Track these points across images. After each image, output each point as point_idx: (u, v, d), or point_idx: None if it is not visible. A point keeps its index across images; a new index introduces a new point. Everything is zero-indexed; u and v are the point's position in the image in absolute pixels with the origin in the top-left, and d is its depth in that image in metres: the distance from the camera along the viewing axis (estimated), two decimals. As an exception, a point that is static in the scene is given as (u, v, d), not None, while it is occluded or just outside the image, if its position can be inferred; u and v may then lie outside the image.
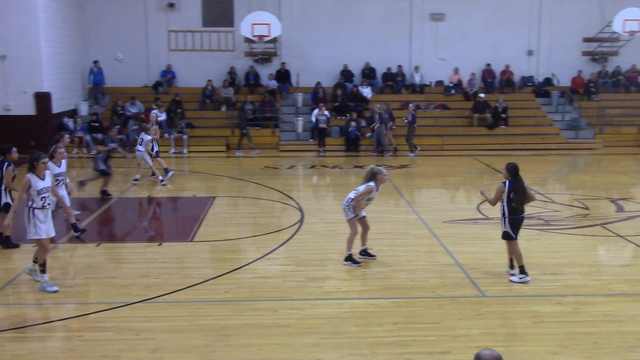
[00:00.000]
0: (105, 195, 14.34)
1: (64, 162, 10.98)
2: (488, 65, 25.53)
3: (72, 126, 21.57)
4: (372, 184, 9.47)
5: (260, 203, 14.26)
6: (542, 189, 15.88)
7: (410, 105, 22.06)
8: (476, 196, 15.15)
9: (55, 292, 8.44)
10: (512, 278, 8.92)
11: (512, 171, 8.95)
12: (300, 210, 13.18)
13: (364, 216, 9.77)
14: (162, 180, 15.82)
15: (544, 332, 7.28)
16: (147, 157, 15.82)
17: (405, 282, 8.92)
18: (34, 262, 8.78)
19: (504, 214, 8.92)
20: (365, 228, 9.85)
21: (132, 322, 7.52)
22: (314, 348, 6.87)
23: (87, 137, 21.54)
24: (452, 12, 25.46)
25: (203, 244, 10.94)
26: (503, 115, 23.43)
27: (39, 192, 8.48)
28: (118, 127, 21.57)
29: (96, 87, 23.80)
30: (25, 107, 20.72)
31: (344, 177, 17.76)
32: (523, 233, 11.20)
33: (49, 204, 8.67)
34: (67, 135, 13.10)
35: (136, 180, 15.93)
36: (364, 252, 9.95)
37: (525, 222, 11.97)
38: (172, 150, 21.65)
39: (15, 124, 20.47)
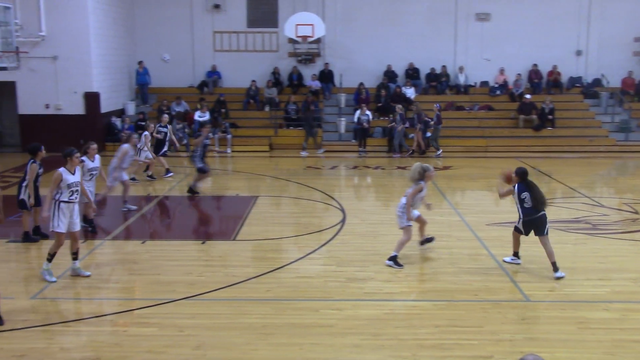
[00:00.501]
0: (193, 192, 14.70)
1: (97, 157, 11.30)
2: (535, 65, 25.07)
3: (120, 125, 22.02)
4: (421, 182, 9.57)
5: (302, 203, 14.31)
6: (590, 192, 15.53)
7: (435, 105, 21.85)
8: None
9: (54, 282, 8.78)
10: (505, 258, 9.75)
11: (521, 175, 9.38)
12: (342, 210, 13.18)
13: (419, 215, 9.96)
14: (150, 175, 16.50)
15: (590, 339, 7.12)
16: (147, 154, 16.30)
17: (448, 284, 8.84)
18: (74, 259, 9.05)
19: (519, 216, 9.40)
20: (423, 223, 10.16)
21: (175, 318, 7.65)
22: (355, 349, 6.87)
23: (135, 137, 21.91)
24: (498, 11, 25.08)
25: (245, 243, 11.03)
26: (550, 117, 22.97)
27: (69, 186, 8.80)
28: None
29: (142, 87, 24.23)
30: (75, 107, 21.25)
31: (387, 178, 17.68)
32: (570, 237, 11.06)
33: (76, 198, 8.96)
34: (135, 135, 13.58)
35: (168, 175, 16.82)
36: (425, 241, 10.31)
37: (573, 225, 11.87)
38: (216, 149, 21.89)
39: (65, 123, 21.01)
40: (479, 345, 6.95)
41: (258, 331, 7.27)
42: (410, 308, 8.00)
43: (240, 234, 11.54)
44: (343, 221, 12.29)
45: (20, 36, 19.36)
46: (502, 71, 25.07)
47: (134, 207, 13.21)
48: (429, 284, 8.86)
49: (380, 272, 9.33)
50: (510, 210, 13.62)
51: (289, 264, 9.77)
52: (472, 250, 10.45)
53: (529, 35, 24.99)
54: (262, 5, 25.26)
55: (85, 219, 11.11)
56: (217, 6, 24.96)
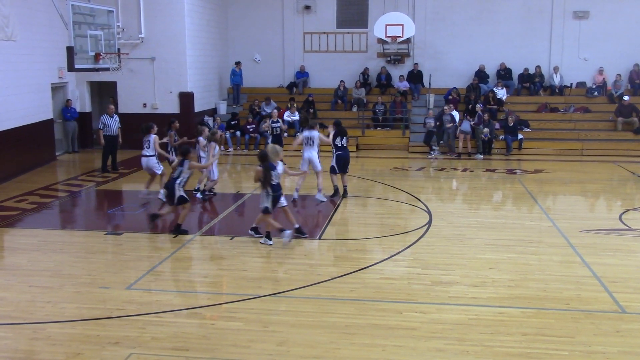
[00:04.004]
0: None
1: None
2: (636, 65, 23.79)
3: (212, 124, 22.67)
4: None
5: (387, 204, 14.25)
6: (695, 200, 14.63)
7: (445, 107, 21.61)
8: (617, 205, 14.25)
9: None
10: (261, 240, 10.76)
11: (262, 158, 10.61)
12: (429, 212, 13.03)
13: (284, 204, 11.03)
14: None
15: (692, 356, 6.71)
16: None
17: (537, 292, 8.56)
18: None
19: (267, 193, 10.55)
20: (285, 213, 11.18)
21: (261, 314, 7.80)
22: (438, 353, 6.78)
23: (227, 135, 22.57)
24: (597, 9, 23.99)
25: (330, 242, 11.11)
26: (652, 120, 21.80)
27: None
28: (253, 126, 22.48)
29: (236, 87, 24.84)
30: (171, 106, 22.08)
31: (474, 181, 17.30)
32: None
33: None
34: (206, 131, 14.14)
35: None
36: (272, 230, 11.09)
37: (674, 235, 11.27)
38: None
39: (161, 121, 21.76)
40: (569, 356, 6.69)
41: (341, 330, 7.31)
42: (497, 314, 7.80)
43: (325, 233, 11.64)
44: (429, 223, 12.15)
45: (121, 38, 20.34)
46: (601, 71, 23.97)
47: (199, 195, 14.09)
48: (517, 291, 8.61)
49: (466, 276, 9.16)
50: (605, 217, 13.09)
51: (373, 264, 9.76)
52: (564, 258, 10.07)
53: (631, 33, 23.78)
54: (352, 6, 25.36)
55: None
56: (307, 7, 25.27)
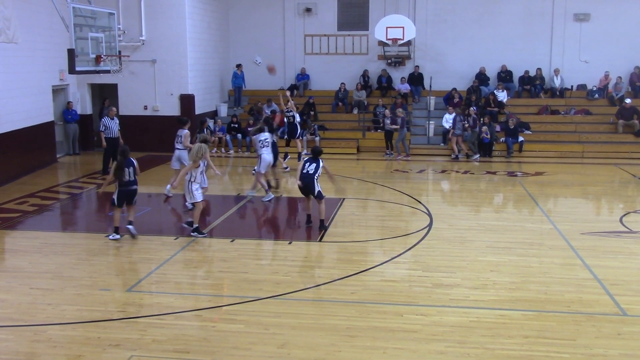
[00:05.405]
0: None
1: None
2: (637, 68, 23.78)
3: (213, 127, 22.68)
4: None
5: (388, 206, 14.24)
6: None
7: (399, 109, 21.54)
8: (618, 207, 14.24)
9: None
10: (110, 236, 11.03)
11: (123, 154, 11.04)
12: (429, 215, 13.02)
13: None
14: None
15: (693, 359, 6.70)
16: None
17: (538, 294, 8.56)
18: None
19: (118, 186, 10.99)
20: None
21: (261, 316, 7.80)
22: (439, 356, 6.77)
23: (227, 137, 22.57)
24: (598, 11, 23.96)
25: (331, 245, 11.11)
26: (653, 122, 21.77)
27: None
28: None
29: (238, 89, 24.84)
30: (171, 108, 22.06)
31: (475, 183, 17.28)
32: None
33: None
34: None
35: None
36: (188, 223, 11.65)
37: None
38: (305, 151, 22.12)
39: (162, 123, 21.84)
40: (570, 359, 6.69)
41: (342, 333, 7.31)
42: (498, 317, 7.80)
43: (326, 235, 11.63)
44: (430, 226, 12.15)
45: (122, 41, 20.33)
46: (607, 75, 23.80)
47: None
48: (518, 293, 8.60)
49: (467, 278, 9.16)
50: (606, 219, 13.08)
51: (374, 267, 9.76)
52: (565, 260, 10.06)
53: (632, 35, 23.75)
54: (352, 8, 25.36)
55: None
56: (308, 10, 25.28)
